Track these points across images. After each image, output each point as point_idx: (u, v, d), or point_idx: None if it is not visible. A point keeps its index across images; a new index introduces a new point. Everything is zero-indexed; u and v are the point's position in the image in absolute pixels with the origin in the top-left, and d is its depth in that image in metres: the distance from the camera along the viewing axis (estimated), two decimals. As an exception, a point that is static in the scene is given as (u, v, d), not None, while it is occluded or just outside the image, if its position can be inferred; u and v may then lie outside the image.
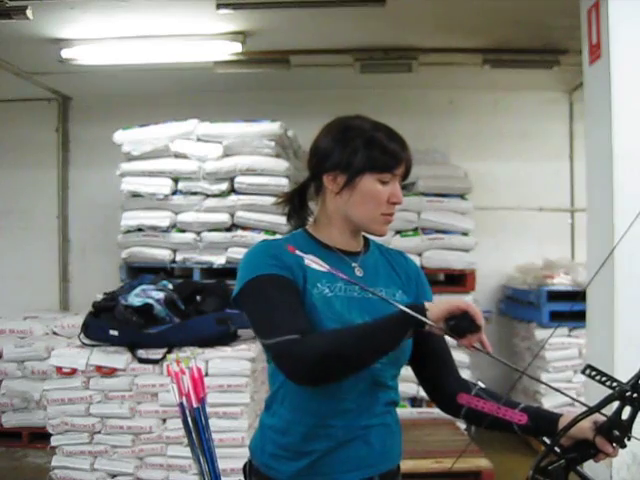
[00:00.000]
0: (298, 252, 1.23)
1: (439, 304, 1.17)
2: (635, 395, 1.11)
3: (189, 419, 1.36)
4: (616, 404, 1.15)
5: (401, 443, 1.41)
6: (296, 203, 1.44)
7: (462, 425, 4.27)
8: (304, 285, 1.29)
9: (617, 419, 1.15)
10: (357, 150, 1.31)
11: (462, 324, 1.16)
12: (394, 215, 1.37)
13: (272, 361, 1.25)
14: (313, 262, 1.25)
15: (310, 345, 1.18)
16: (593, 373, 1.14)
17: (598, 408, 1.15)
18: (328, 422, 1.29)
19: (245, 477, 1.40)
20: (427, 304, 1.18)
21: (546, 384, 1.28)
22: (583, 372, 1.15)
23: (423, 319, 1.15)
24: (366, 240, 1.45)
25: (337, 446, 1.29)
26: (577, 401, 1.22)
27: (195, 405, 1.35)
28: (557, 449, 1.20)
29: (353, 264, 1.37)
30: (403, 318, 1.17)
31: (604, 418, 1.18)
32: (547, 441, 1.22)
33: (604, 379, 1.13)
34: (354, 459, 1.30)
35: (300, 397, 1.30)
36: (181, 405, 1.36)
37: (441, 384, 1.42)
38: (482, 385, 1.36)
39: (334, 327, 1.26)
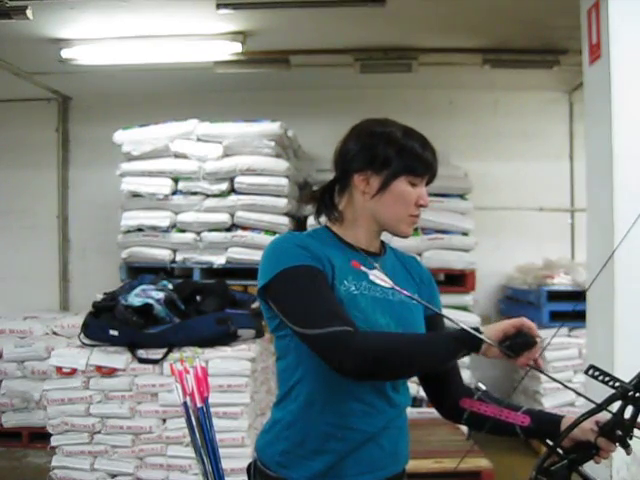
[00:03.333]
0: (363, 268, 1.25)
1: (494, 326, 1.19)
2: (638, 395, 1.12)
3: (193, 419, 1.36)
4: (618, 404, 1.15)
5: (408, 446, 1.41)
6: (327, 201, 1.43)
7: (463, 426, 4.27)
8: (332, 281, 1.29)
9: (620, 419, 1.15)
10: (392, 153, 1.33)
11: (518, 341, 1.17)
12: (419, 217, 1.39)
13: (317, 351, 1.20)
14: (378, 278, 1.27)
15: (368, 340, 1.18)
16: (596, 373, 1.14)
17: (600, 408, 1.15)
18: (345, 423, 1.28)
19: (249, 478, 1.40)
20: (482, 328, 1.19)
21: (567, 386, 1.26)
22: (586, 372, 1.15)
23: (483, 338, 1.16)
24: (382, 243, 1.46)
25: (353, 449, 1.29)
26: (582, 396, 1.22)
27: (199, 405, 1.35)
28: (559, 449, 1.20)
29: (375, 264, 1.37)
30: (461, 337, 1.18)
31: (605, 419, 1.18)
32: (549, 442, 1.22)
33: (607, 379, 1.14)
34: (367, 461, 1.30)
35: (317, 395, 1.29)
36: (185, 405, 1.36)
37: (444, 389, 1.42)
38: (483, 387, 1.36)
39: (361, 326, 1.24)
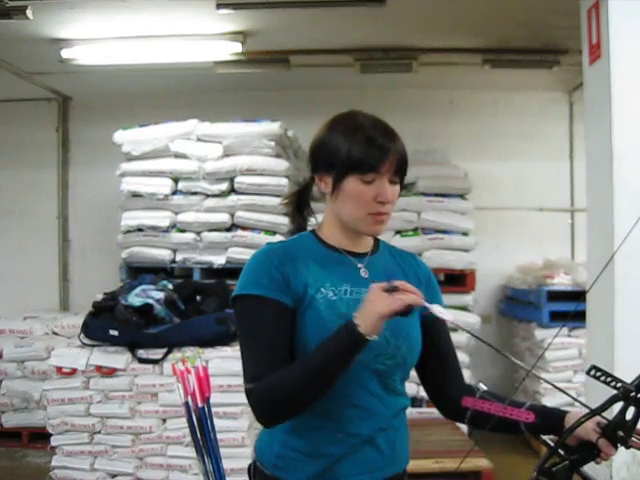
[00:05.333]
0: (426, 304, 1.19)
1: (367, 313, 1.15)
2: (639, 395, 1.11)
3: (194, 418, 1.35)
4: (620, 404, 1.14)
5: (408, 447, 1.39)
6: (295, 205, 1.42)
7: (463, 426, 4.28)
8: (306, 291, 1.27)
9: (621, 419, 1.14)
10: (338, 150, 1.28)
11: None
12: (389, 214, 1.31)
13: None
14: (439, 312, 1.22)
15: (258, 394, 1.22)
16: (598, 374, 1.13)
17: (602, 409, 1.14)
18: (341, 428, 1.27)
19: (250, 478, 1.39)
20: (356, 316, 1.15)
21: (568, 394, 1.25)
22: (588, 373, 1.13)
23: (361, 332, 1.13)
24: (377, 241, 1.42)
25: (349, 452, 1.28)
26: (580, 403, 1.21)
27: (200, 404, 1.35)
28: (560, 450, 1.19)
29: (359, 265, 1.34)
30: (340, 343, 1.16)
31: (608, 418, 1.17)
32: (550, 443, 1.21)
33: (609, 380, 1.12)
34: (363, 463, 1.29)
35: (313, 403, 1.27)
36: (186, 404, 1.35)
37: (446, 389, 1.41)
38: (484, 387, 1.35)
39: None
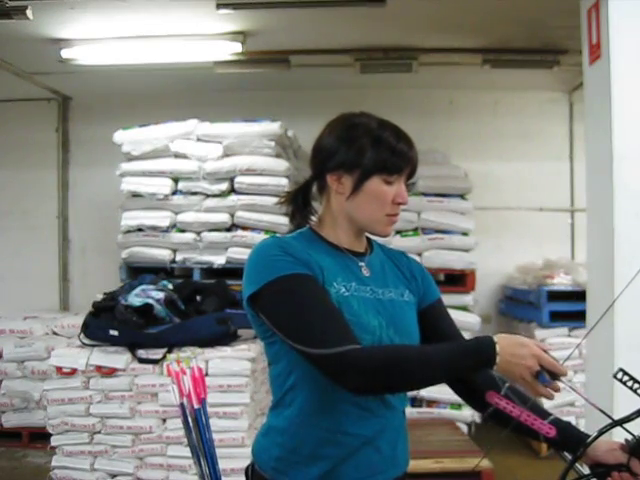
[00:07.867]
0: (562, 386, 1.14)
1: (516, 359, 1.11)
2: None
3: (190, 420, 1.35)
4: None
5: (408, 449, 1.37)
6: (299, 203, 1.40)
7: (462, 425, 4.28)
8: (323, 279, 1.26)
9: None
10: (363, 151, 1.28)
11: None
12: (399, 215, 1.34)
13: (324, 371, 1.17)
14: (574, 390, 1.21)
15: (374, 356, 1.15)
16: (625, 378, 1.07)
17: (627, 420, 1.10)
18: (340, 428, 1.26)
19: None
20: (501, 346, 1.12)
21: (587, 399, 1.20)
22: (615, 376, 1.07)
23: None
24: (369, 240, 1.43)
25: (349, 454, 1.26)
26: (605, 414, 1.15)
27: (196, 406, 1.34)
28: (586, 466, 1.16)
29: (360, 264, 1.35)
30: (474, 354, 1.14)
31: (628, 436, 1.14)
32: (568, 455, 1.18)
33: (636, 387, 1.06)
34: (365, 466, 1.27)
35: (311, 401, 1.26)
36: (182, 406, 1.35)
37: (471, 380, 1.36)
38: (507, 381, 1.30)
39: (353, 329, 1.22)
